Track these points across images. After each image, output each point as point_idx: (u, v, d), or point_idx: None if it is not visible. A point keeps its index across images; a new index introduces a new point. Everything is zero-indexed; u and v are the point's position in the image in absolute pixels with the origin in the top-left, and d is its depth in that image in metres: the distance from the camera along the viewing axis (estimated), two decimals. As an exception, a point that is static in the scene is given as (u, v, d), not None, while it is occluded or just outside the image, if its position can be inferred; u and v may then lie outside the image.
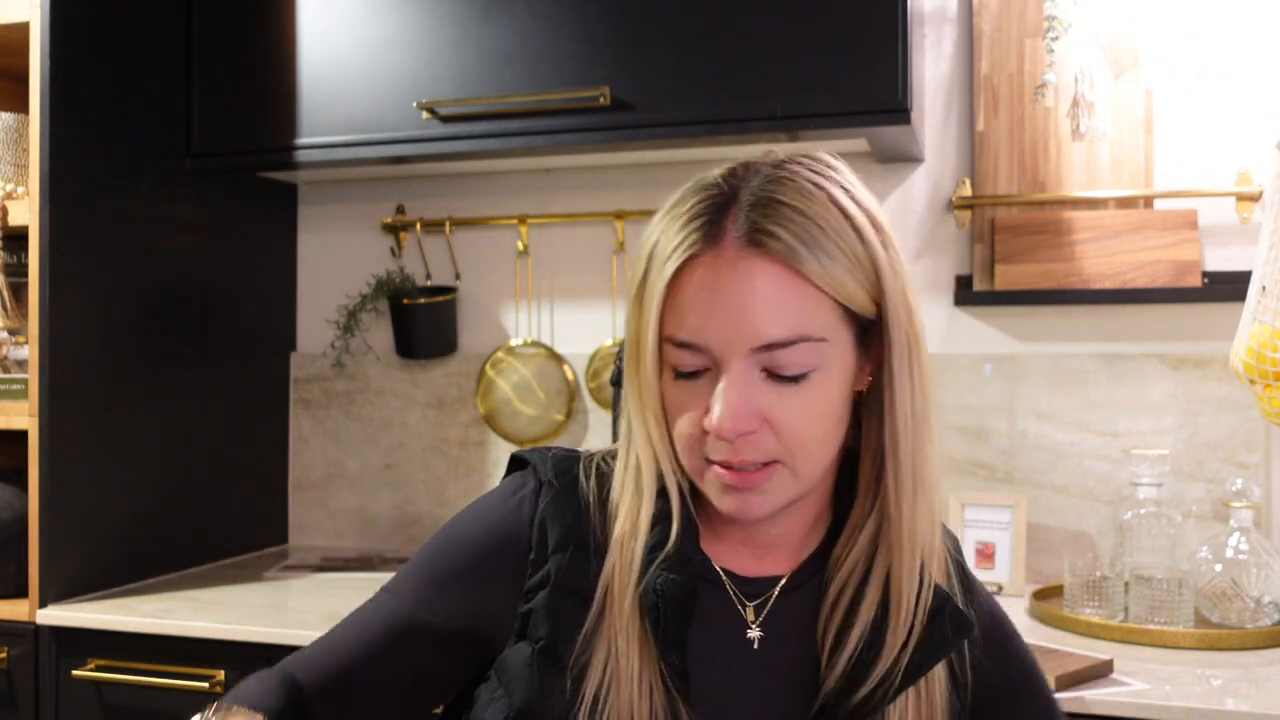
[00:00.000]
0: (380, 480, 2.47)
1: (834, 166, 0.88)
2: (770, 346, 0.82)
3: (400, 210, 2.46)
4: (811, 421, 0.84)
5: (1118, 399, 2.03)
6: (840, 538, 0.93)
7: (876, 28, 1.80)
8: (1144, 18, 2.03)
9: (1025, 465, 2.08)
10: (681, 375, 0.85)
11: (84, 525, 1.97)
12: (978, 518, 2.03)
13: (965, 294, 2.09)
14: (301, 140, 2.10)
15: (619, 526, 0.90)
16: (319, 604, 1.94)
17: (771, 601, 0.92)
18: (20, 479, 1.96)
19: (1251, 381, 1.62)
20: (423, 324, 2.35)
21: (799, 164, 0.87)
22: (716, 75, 1.87)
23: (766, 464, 0.84)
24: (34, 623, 1.89)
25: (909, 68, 1.81)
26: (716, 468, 0.85)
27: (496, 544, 0.93)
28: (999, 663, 0.98)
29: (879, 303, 0.85)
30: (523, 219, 2.35)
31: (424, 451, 2.44)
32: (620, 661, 0.86)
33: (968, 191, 2.09)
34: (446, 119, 2.01)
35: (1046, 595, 1.91)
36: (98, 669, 1.86)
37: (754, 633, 0.92)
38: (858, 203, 0.86)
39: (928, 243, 2.16)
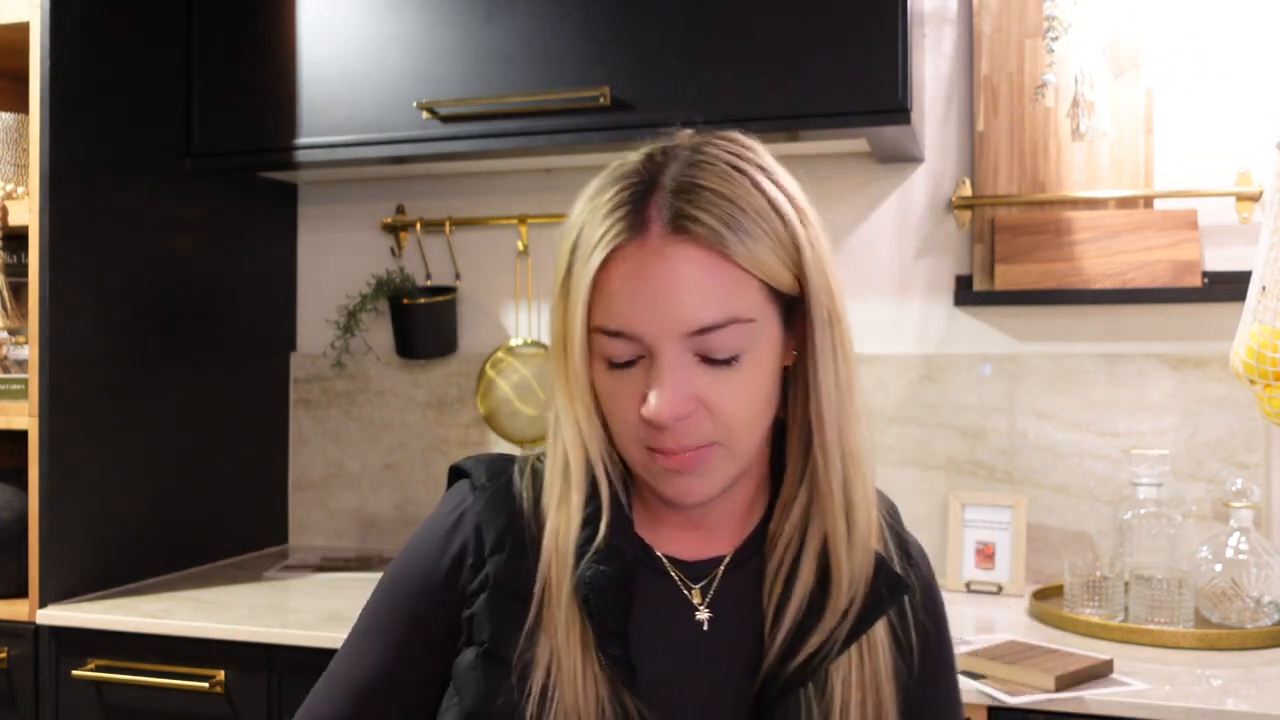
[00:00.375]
0: (380, 480, 2.47)
1: (751, 147, 0.89)
2: (702, 331, 0.82)
3: (400, 210, 2.46)
4: (745, 402, 0.85)
5: (1118, 399, 2.03)
6: (774, 512, 0.93)
7: (876, 28, 1.80)
8: (1144, 18, 2.03)
9: (1025, 465, 2.08)
10: (615, 366, 0.86)
11: (84, 525, 1.97)
12: (978, 518, 2.03)
13: (965, 294, 2.09)
14: (301, 140, 2.10)
15: (551, 521, 0.90)
16: (319, 604, 1.94)
17: (717, 582, 0.93)
18: (20, 479, 1.96)
19: (1251, 381, 1.62)
20: (423, 324, 2.35)
21: (716, 146, 0.88)
22: (716, 75, 1.87)
23: (704, 446, 0.85)
24: (34, 623, 1.89)
25: (909, 68, 1.81)
26: (658, 455, 0.85)
27: (445, 559, 0.93)
28: (938, 631, 0.99)
29: (801, 280, 0.86)
30: (523, 219, 2.35)
31: (424, 451, 2.44)
32: (562, 657, 0.86)
33: (968, 191, 2.09)
34: (446, 119, 2.01)
35: (1046, 595, 1.91)
36: (98, 669, 1.86)
37: (703, 614, 0.92)
38: (776, 183, 0.87)
39: (928, 243, 2.16)
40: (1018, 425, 2.09)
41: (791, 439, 0.92)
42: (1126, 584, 1.80)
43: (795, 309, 0.88)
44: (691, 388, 0.83)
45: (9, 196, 2.02)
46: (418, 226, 2.41)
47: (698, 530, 0.94)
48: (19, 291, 2.05)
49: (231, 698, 1.81)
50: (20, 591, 1.93)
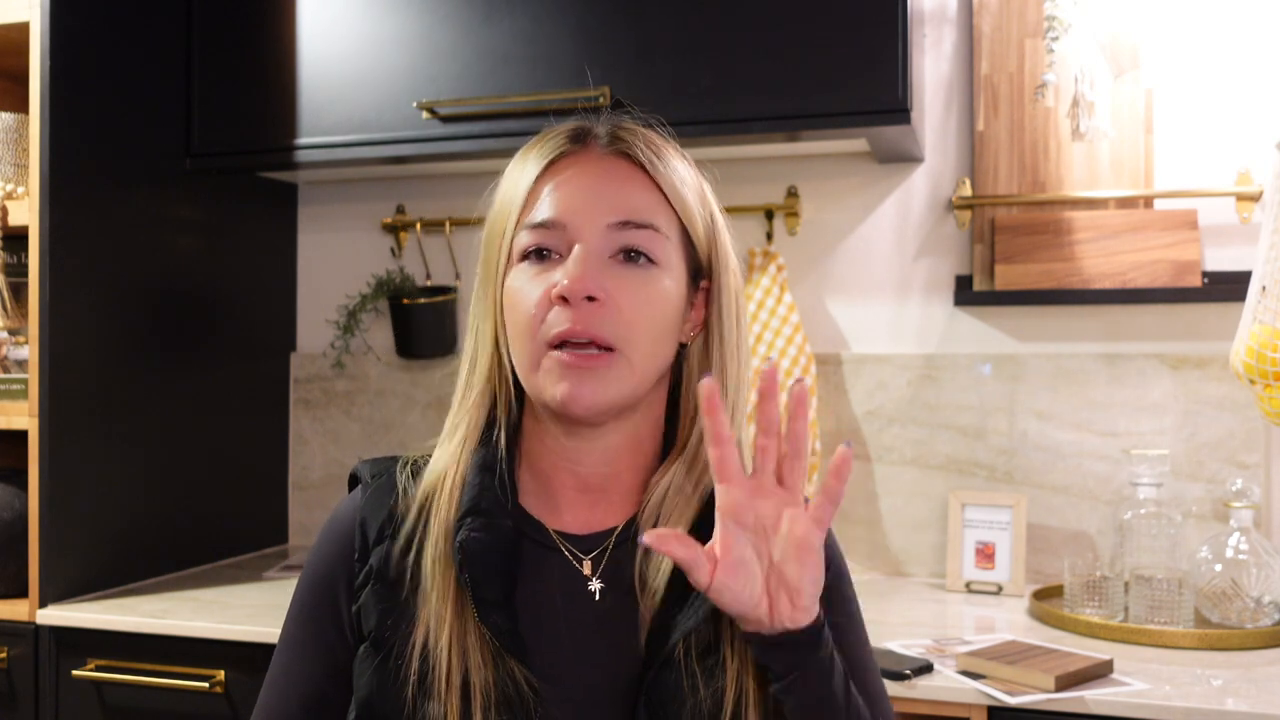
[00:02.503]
0: (380, 480, 2.47)
1: (666, 139, 0.97)
2: (624, 224, 0.89)
3: (400, 210, 2.46)
4: (648, 309, 0.89)
5: (1118, 399, 2.03)
6: (649, 481, 0.96)
7: (876, 28, 1.80)
8: (1144, 18, 2.03)
9: (1025, 465, 2.08)
10: (531, 258, 0.90)
11: (84, 525, 1.97)
12: (978, 518, 2.03)
13: (965, 294, 2.09)
14: (301, 140, 2.10)
15: (438, 496, 0.92)
16: (319, 604, 1.94)
17: (608, 553, 0.94)
18: (20, 479, 1.96)
19: (1251, 381, 1.62)
20: (423, 324, 2.35)
21: (640, 122, 0.97)
22: (716, 75, 1.87)
23: (603, 350, 0.88)
24: (34, 623, 1.89)
25: (909, 68, 1.81)
26: (555, 352, 0.88)
27: (339, 566, 0.95)
28: (840, 584, 0.99)
29: (714, 254, 0.94)
30: (523, 219, 2.34)
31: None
32: (439, 626, 0.87)
33: (968, 191, 2.09)
34: (446, 119, 2.01)
35: (1046, 595, 1.91)
36: (98, 669, 1.86)
37: (595, 585, 0.93)
38: (692, 163, 0.97)
39: (928, 243, 2.16)
40: (1018, 425, 2.09)
41: (684, 415, 0.96)
42: (1126, 584, 1.80)
43: (699, 284, 0.95)
44: (603, 277, 0.88)
45: (9, 196, 2.02)
46: (418, 226, 2.41)
47: (591, 504, 0.95)
48: (19, 291, 2.05)
49: (231, 698, 1.81)
50: (20, 591, 1.93)
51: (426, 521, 0.92)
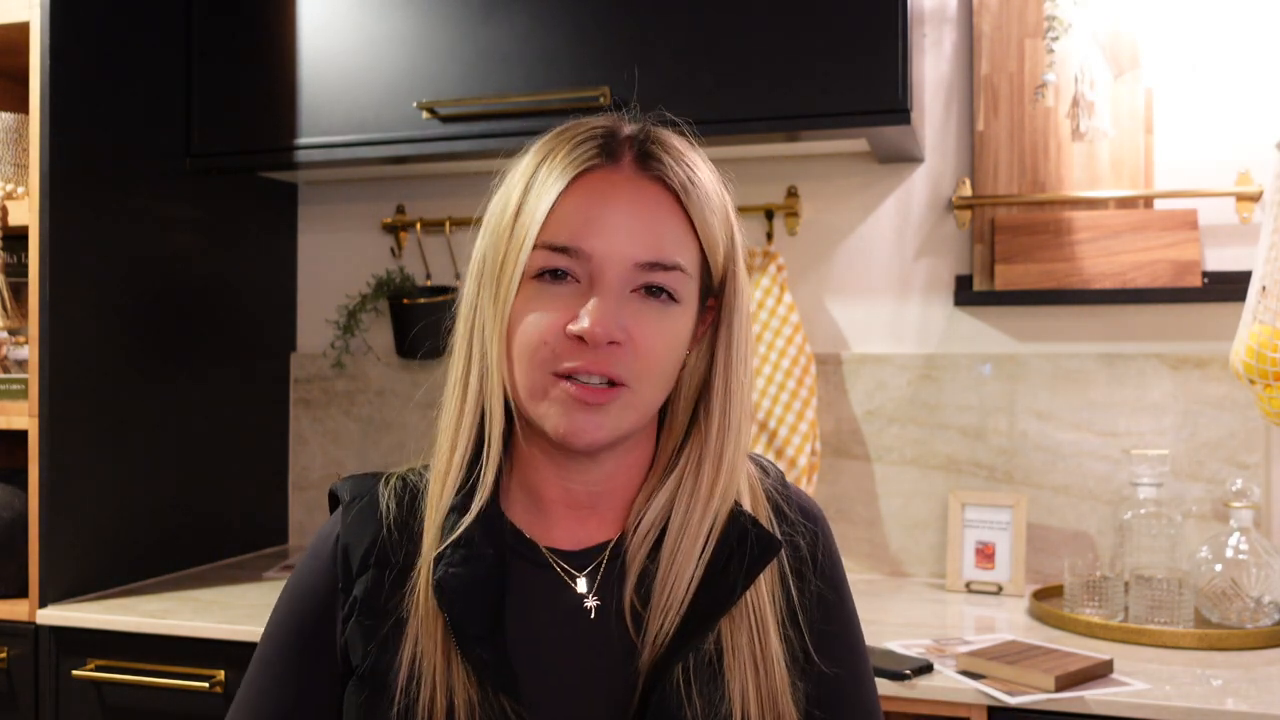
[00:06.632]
0: (380, 480, 2.47)
1: (692, 145, 0.93)
2: (652, 266, 0.85)
3: (400, 210, 2.46)
4: (665, 348, 0.86)
5: (1118, 399, 2.03)
6: (641, 493, 0.93)
7: (876, 28, 1.80)
8: (1144, 17, 2.03)
9: (1025, 465, 2.08)
10: (547, 279, 0.85)
11: (84, 525, 1.97)
12: (978, 518, 2.03)
13: (965, 294, 2.09)
14: (301, 140, 2.10)
15: (430, 522, 0.89)
16: (319, 604, 1.94)
17: (603, 568, 0.92)
18: (20, 479, 1.96)
19: (1251, 381, 1.62)
20: (423, 324, 2.35)
21: (666, 129, 0.92)
22: (717, 75, 1.87)
23: (613, 386, 0.84)
24: (34, 623, 1.89)
25: (909, 68, 1.81)
26: (564, 384, 0.84)
27: (321, 592, 0.92)
28: (840, 597, 0.97)
29: (729, 269, 0.90)
30: (523, 219, 2.34)
31: (424, 452, 2.43)
32: (423, 662, 0.85)
33: (968, 191, 2.09)
34: (446, 119, 2.01)
35: (1046, 595, 1.91)
36: (98, 669, 1.86)
37: (591, 602, 0.90)
38: (716, 174, 0.92)
39: (928, 243, 2.16)
40: (1018, 425, 2.09)
41: (673, 428, 0.93)
42: (1126, 584, 1.80)
43: (706, 300, 0.91)
44: (624, 317, 0.84)
45: (9, 196, 2.02)
46: (418, 226, 2.41)
47: (582, 519, 0.93)
48: (19, 291, 2.05)
49: (231, 698, 1.80)
50: (20, 591, 1.93)
51: (411, 550, 0.89)
